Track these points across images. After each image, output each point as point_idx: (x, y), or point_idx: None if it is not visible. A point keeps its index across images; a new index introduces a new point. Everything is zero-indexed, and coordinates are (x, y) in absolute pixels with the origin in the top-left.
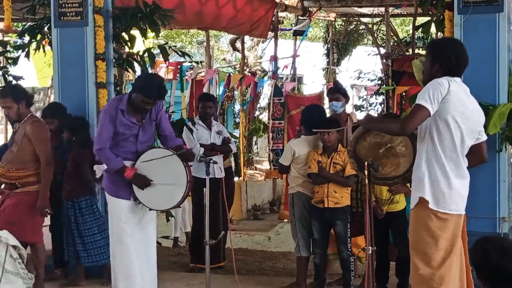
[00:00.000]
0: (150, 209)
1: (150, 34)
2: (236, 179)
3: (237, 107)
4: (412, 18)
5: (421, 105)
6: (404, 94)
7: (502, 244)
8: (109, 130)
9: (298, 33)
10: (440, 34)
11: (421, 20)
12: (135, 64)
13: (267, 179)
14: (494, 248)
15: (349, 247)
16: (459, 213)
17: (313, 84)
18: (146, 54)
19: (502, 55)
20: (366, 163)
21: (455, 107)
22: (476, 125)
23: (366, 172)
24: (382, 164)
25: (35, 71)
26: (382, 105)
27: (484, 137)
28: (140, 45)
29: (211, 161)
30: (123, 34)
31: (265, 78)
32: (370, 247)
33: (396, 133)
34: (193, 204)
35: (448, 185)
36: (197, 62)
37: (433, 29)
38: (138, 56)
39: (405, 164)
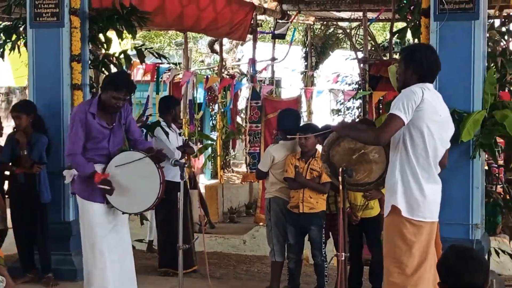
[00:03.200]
0: (123, 213)
1: (127, 35)
2: (213, 181)
3: (215, 109)
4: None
5: (395, 114)
6: (381, 98)
7: (462, 250)
8: (80, 135)
9: (277, 36)
10: (416, 41)
11: (399, 25)
12: (111, 65)
13: (243, 182)
14: (454, 253)
15: (323, 252)
16: (432, 220)
17: (291, 87)
18: (122, 56)
19: (477, 62)
20: (340, 169)
21: (428, 115)
22: (447, 133)
23: (339, 177)
24: (355, 170)
25: (11, 70)
26: (359, 109)
27: (449, 145)
28: (116, 47)
29: (186, 165)
30: (100, 35)
31: (244, 81)
32: (342, 253)
33: (371, 143)
34: (162, 208)
35: (421, 193)
36: (175, 64)
37: (409, 35)
38: (114, 58)
39: (377, 170)
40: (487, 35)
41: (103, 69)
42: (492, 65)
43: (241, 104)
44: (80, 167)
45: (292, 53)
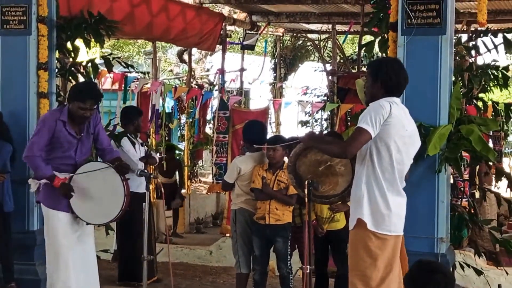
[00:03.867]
0: (88, 223)
1: (95, 44)
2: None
3: (183, 119)
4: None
5: (362, 128)
6: (349, 110)
7: (428, 264)
8: (44, 139)
9: (246, 47)
10: (383, 54)
11: (368, 38)
12: (79, 74)
13: (209, 193)
14: (420, 266)
15: (289, 264)
16: (397, 234)
17: (260, 98)
18: (89, 65)
19: (444, 77)
20: (306, 182)
21: (395, 130)
22: (413, 148)
23: (305, 189)
24: (321, 182)
25: None
26: (327, 121)
27: (412, 160)
28: (84, 55)
29: (151, 176)
30: (67, 44)
31: (215, 92)
32: (308, 266)
33: (338, 156)
34: (124, 219)
35: (386, 207)
36: (143, 73)
37: (377, 48)
38: (82, 67)
39: (343, 183)
40: (454, 50)
41: (70, 77)
42: (459, 79)
43: (209, 114)
44: (37, 169)
45: (261, 64)
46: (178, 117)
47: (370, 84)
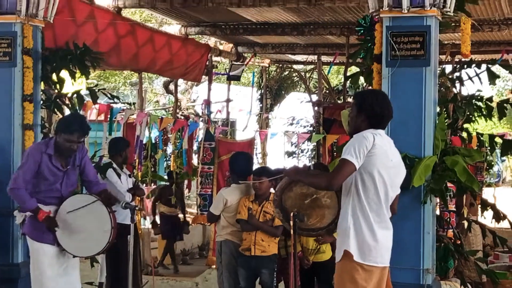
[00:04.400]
0: (74, 256)
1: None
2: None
3: (169, 150)
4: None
5: (347, 160)
6: (336, 141)
7: None
8: (30, 172)
9: (233, 78)
10: (368, 86)
11: (354, 69)
12: (64, 106)
13: (193, 224)
14: None
15: None
16: (384, 265)
17: (247, 129)
18: (75, 96)
19: (428, 108)
20: (292, 214)
21: (380, 160)
22: (398, 178)
23: (291, 222)
24: (307, 215)
25: None
26: (313, 152)
27: (399, 191)
28: (69, 87)
29: (137, 208)
30: (52, 75)
31: (200, 122)
32: None
33: (323, 188)
34: (111, 251)
35: (373, 238)
36: (129, 104)
37: (362, 79)
38: (67, 98)
39: (329, 216)
40: (439, 81)
41: (55, 109)
42: (443, 110)
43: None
44: (22, 202)
45: (248, 95)
46: (163, 148)
47: (355, 115)
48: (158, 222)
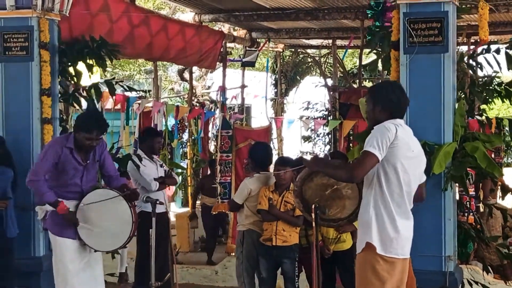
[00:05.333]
0: (96, 251)
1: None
2: (184, 210)
3: (185, 137)
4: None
5: (369, 152)
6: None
7: None
8: (49, 164)
9: (247, 64)
10: (386, 72)
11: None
12: (81, 99)
13: (214, 212)
14: None
15: (296, 285)
16: (405, 257)
17: (262, 115)
18: (92, 89)
19: (447, 95)
20: (313, 206)
21: (402, 152)
22: (420, 168)
23: (312, 214)
24: (328, 206)
25: None
26: (329, 136)
27: (424, 178)
28: (86, 79)
29: (158, 202)
30: (69, 68)
31: (217, 110)
32: None
33: (345, 181)
34: (138, 239)
35: (395, 230)
36: (145, 92)
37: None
38: (84, 91)
39: (350, 206)
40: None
41: (73, 102)
42: (461, 95)
43: (213, 131)
44: (41, 194)
45: (262, 80)
46: (179, 136)
47: (371, 108)
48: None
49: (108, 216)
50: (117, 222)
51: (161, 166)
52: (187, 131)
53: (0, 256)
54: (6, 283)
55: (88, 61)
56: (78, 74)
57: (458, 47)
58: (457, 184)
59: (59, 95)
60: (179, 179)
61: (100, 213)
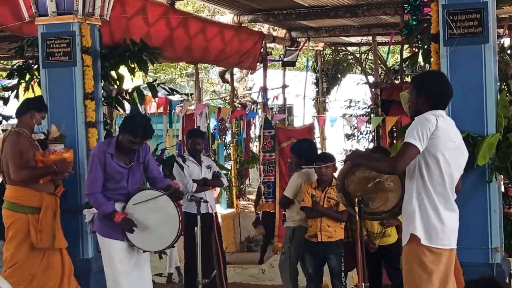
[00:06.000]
0: (144, 251)
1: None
2: (229, 211)
3: (228, 139)
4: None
5: (410, 143)
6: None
7: (483, 280)
8: (99, 174)
9: (287, 64)
10: (427, 66)
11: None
12: (125, 102)
13: (259, 212)
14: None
15: (343, 281)
16: (451, 247)
17: (304, 114)
18: (135, 92)
19: (489, 86)
20: (356, 199)
21: (443, 142)
22: (462, 159)
23: (355, 207)
24: (370, 199)
25: None
26: (373, 134)
27: (462, 171)
28: (128, 83)
29: (202, 200)
30: (112, 72)
31: (259, 111)
32: (363, 284)
33: (386, 173)
34: (185, 240)
35: (439, 221)
36: (187, 95)
37: (420, 59)
38: (127, 94)
39: (393, 199)
40: (498, 57)
41: (116, 105)
42: (504, 86)
43: (255, 131)
44: (100, 206)
45: (304, 80)
46: (219, 137)
47: (414, 98)
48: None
49: (155, 216)
50: (164, 221)
51: (208, 167)
52: (229, 132)
53: None
54: None
55: (130, 64)
56: (121, 78)
57: (501, 39)
58: (502, 176)
59: (102, 99)
60: (225, 181)
61: (146, 213)
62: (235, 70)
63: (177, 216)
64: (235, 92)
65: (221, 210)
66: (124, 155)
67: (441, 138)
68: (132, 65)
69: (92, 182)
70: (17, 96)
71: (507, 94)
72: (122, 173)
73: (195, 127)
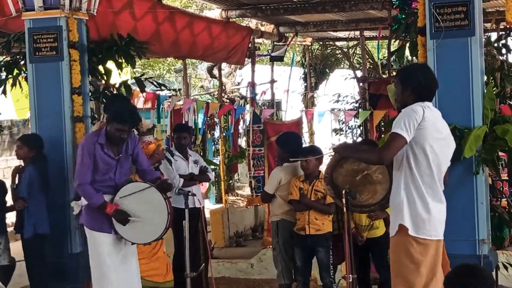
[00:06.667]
0: (133, 243)
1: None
2: (218, 206)
3: (217, 134)
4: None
5: (397, 133)
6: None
7: (466, 268)
8: (89, 165)
9: (276, 59)
10: (414, 59)
11: (397, 42)
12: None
13: (249, 207)
14: (457, 271)
15: (331, 273)
16: (438, 238)
17: (292, 109)
18: (122, 87)
19: (476, 78)
20: (344, 191)
21: (430, 133)
22: (449, 150)
23: (343, 199)
24: (359, 192)
25: (12, 101)
26: (361, 128)
27: (449, 163)
28: (116, 77)
29: (190, 193)
30: (99, 67)
31: (247, 106)
32: (350, 275)
33: (374, 163)
34: (174, 234)
35: (427, 211)
36: (175, 90)
37: (407, 53)
38: (115, 89)
39: (381, 191)
40: (484, 50)
41: (103, 100)
42: (491, 79)
43: (243, 126)
44: (90, 198)
45: (292, 75)
46: (206, 132)
47: (400, 91)
48: None
49: (143, 208)
50: (153, 213)
51: (195, 162)
52: (217, 127)
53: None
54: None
55: (117, 59)
56: (108, 73)
57: (488, 34)
58: (490, 169)
59: (90, 93)
60: (212, 176)
61: (135, 205)
62: (223, 65)
63: (165, 208)
64: (223, 87)
65: (209, 205)
66: (113, 146)
67: (428, 129)
68: (120, 60)
69: (82, 173)
70: (4, 92)
71: (494, 86)
72: (111, 164)
73: (184, 122)
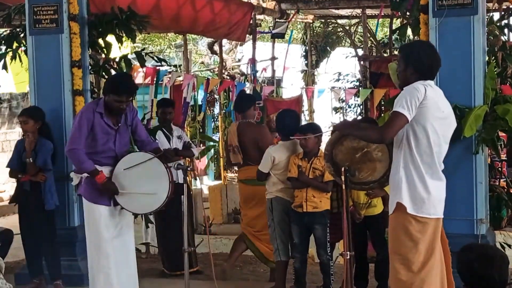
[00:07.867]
0: (134, 214)
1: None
2: (217, 182)
3: (216, 111)
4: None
5: (399, 112)
6: (383, 95)
7: (485, 253)
8: (84, 132)
9: (276, 36)
10: (416, 37)
11: (399, 21)
12: (112, 70)
13: None
14: (478, 257)
15: (328, 251)
16: (437, 216)
17: (292, 86)
18: (122, 61)
19: (477, 58)
20: (343, 169)
21: (432, 112)
22: (450, 129)
23: (342, 177)
24: (358, 169)
25: (12, 75)
26: (361, 107)
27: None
28: (116, 51)
29: (189, 168)
30: (99, 40)
31: (247, 82)
32: (348, 252)
33: (375, 141)
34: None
35: (425, 190)
36: (175, 66)
37: (409, 32)
38: (115, 63)
39: (381, 169)
40: (487, 29)
41: (103, 74)
42: (492, 59)
43: None
44: (80, 163)
45: (292, 52)
46: (207, 109)
47: (403, 68)
48: None
49: (145, 179)
50: (154, 184)
51: (179, 138)
52: (217, 104)
53: (42, 229)
54: (52, 256)
55: (117, 32)
56: (108, 46)
57: (490, 13)
58: (489, 149)
59: (90, 67)
60: (196, 152)
61: (136, 176)
62: (224, 41)
63: (167, 178)
64: (223, 63)
65: (208, 181)
66: (112, 116)
67: (429, 108)
68: (120, 34)
69: (75, 138)
70: (5, 67)
71: (495, 66)
72: (110, 134)
73: (183, 98)
